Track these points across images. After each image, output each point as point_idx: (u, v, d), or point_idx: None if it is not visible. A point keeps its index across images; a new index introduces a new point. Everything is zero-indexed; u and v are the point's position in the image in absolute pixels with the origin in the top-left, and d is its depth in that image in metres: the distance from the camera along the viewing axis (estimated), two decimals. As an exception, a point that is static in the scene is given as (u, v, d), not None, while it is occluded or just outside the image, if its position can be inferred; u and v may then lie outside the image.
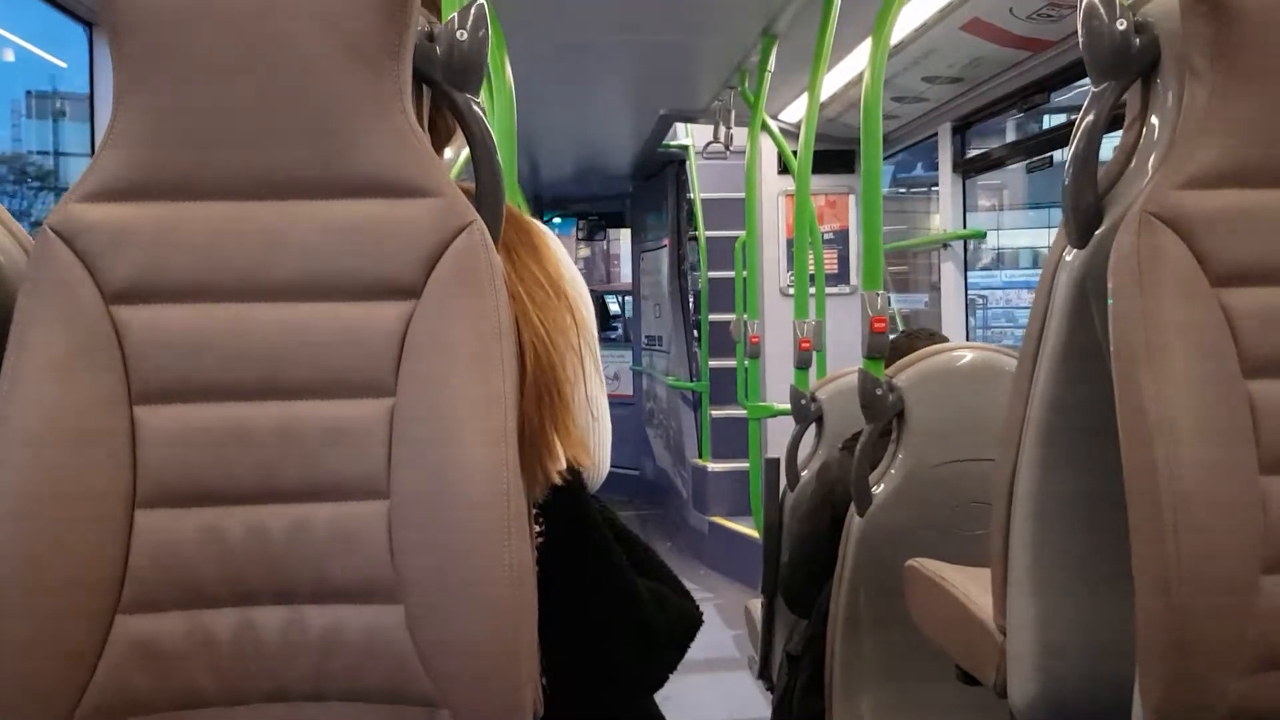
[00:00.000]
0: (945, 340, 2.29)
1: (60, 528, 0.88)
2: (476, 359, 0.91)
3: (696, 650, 1.29)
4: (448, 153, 1.20)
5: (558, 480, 1.05)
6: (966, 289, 4.30)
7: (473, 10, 1.00)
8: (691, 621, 1.29)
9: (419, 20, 0.96)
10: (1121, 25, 1.05)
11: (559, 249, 1.16)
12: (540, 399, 1.02)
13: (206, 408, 0.91)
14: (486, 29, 0.99)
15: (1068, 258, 1.11)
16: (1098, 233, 1.08)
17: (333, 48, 0.92)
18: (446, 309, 0.92)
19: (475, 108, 1.00)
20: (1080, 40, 1.07)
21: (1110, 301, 0.99)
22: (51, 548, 0.88)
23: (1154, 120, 1.07)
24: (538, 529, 1.11)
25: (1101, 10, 1.05)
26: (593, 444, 1.17)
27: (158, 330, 0.91)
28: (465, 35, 0.98)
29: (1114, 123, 1.09)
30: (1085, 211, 1.08)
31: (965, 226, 4.27)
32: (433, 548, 0.89)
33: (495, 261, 0.94)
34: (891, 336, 2.29)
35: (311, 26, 0.92)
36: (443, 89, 0.99)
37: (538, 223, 1.17)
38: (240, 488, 0.91)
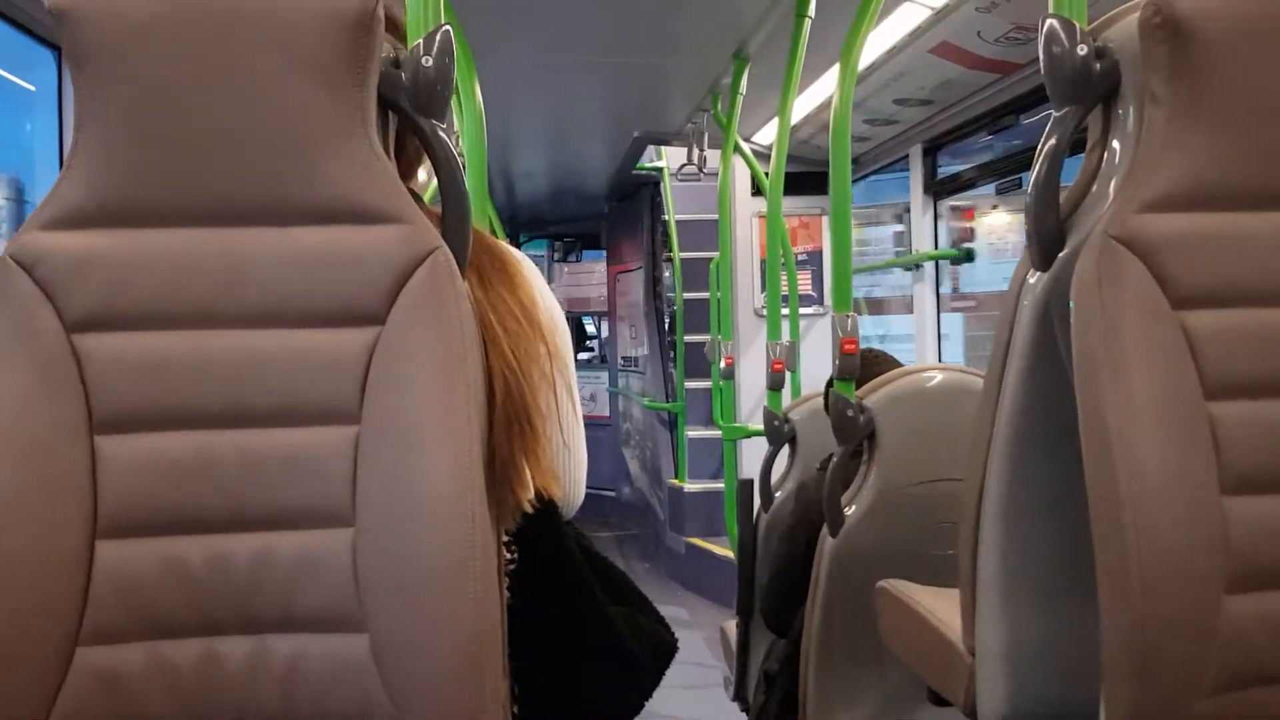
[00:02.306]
0: (889, 358, 2.30)
1: (19, 560, 0.87)
2: (441, 385, 0.91)
3: (674, 669, 1.29)
4: (421, 174, 1.19)
5: (527, 509, 1.04)
6: (939, 310, 4.33)
7: (438, 36, 0.99)
8: (666, 648, 1.28)
9: (384, 46, 0.96)
10: (1082, 50, 1.06)
11: (535, 277, 1.15)
12: (511, 429, 1.02)
13: (169, 436, 0.90)
14: (452, 54, 0.99)
15: (1031, 280, 1.12)
16: (1060, 256, 1.08)
17: (295, 74, 0.92)
18: (411, 336, 0.91)
19: (441, 134, 1.00)
20: (1041, 65, 1.08)
21: (1073, 324, 1.00)
22: (10, 580, 0.87)
23: (1115, 144, 1.07)
24: (510, 556, 1.11)
25: (1062, 35, 1.06)
26: (564, 473, 1.16)
27: (119, 359, 0.90)
28: (430, 61, 0.98)
29: (1077, 147, 1.10)
30: (1048, 235, 1.09)
31: (937, 248, 4.31)
32: (397, 576, 0.88)
33: (460, 287, 0.94)
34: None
35: (274, 53, 0.91)
36: (408, 115, 0.99)
37: (514, 250, 1.16)
38: (203, 517, 0.90)
